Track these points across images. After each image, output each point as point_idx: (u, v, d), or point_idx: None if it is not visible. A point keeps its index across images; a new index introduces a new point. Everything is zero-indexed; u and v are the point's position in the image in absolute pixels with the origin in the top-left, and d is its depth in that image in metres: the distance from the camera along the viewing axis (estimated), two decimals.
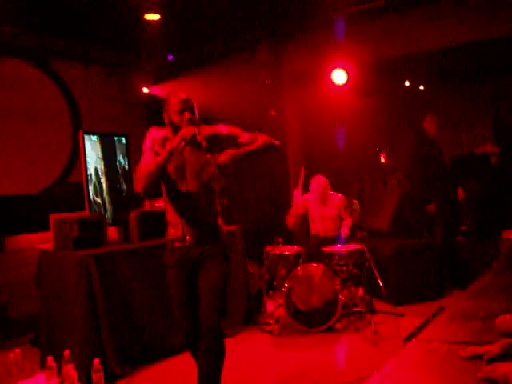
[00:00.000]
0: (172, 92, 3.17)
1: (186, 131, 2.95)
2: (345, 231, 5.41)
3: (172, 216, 3.14)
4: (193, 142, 2.99)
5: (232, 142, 3.21)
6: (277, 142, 3.27)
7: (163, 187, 3.15)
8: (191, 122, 3.01)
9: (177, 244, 3.12)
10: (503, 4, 5.52)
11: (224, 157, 3.10)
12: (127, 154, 4.75)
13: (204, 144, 3.05)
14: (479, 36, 5.74)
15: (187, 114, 3.03)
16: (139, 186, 2.98)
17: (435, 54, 6.36)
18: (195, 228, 3.11)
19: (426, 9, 5.94)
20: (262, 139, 3.21)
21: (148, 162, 2.98)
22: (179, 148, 2.96)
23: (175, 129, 3.05)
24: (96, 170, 4.43)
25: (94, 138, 4.47)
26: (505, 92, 7.92)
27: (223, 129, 3.21)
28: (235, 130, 3.23)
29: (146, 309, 4.17)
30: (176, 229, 3.12)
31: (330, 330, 4.67)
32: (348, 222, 5.53)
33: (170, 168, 3.06)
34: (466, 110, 8.51)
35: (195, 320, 3.06)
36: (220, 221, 3.25)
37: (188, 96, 3.12)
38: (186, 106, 3.07)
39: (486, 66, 7.21)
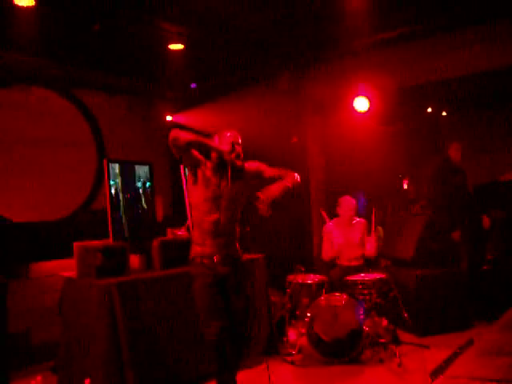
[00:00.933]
0: (226, 131, 3.62)
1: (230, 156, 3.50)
2: (372, 252, 5.38)
3: (200, 237, 3.55)
4: (230, 168, 3.49)
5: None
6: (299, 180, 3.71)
7: (194, 211, 3.59)
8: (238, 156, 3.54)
9: (205, 260, 3.52)
10: None
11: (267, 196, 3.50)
12: (151, 182, 4.78)
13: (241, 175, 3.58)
14: (502, 62, 5.72)
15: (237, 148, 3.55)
16: (176, 133, 3.31)
17: (458, 81, 6.34)
18: (222, 250, 3.54)
19: (447, 36, 5.94)
20: (290, 178, 3.67)
21: (198, 135, 3.41)
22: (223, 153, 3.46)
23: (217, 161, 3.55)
24: (121, 198, 4.46)
25: (124, 167, 4.52)
26: None
27: (267, 171, 3.70)
28: (275, 173, 3.70)
29: (169, 338, 4.13)
30: (203, 248, 3.54)
31: (354, 361, 4.58)
32: (372, 240, 5.46)
33: (208, 196, 3.49)
34: (489, 137, 8.43)
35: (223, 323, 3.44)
36: (238, 246, 3.70)
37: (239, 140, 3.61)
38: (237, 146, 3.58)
39: (510, 91, 7.16)
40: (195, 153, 3.47)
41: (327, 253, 5.67)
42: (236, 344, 3.55)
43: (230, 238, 3.61)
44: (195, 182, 3.54)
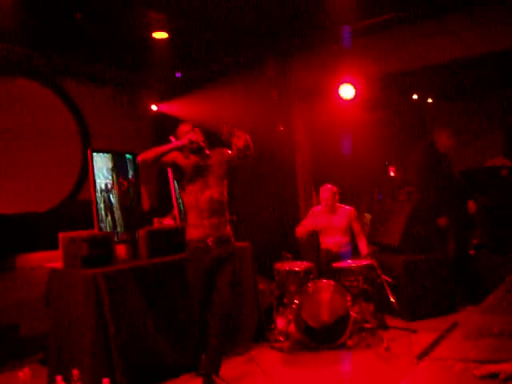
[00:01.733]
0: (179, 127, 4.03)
1: (192, 135, 3.85)
2: (364, 250, 5.40)
3: (197, 218, 3.84)
4: (198, 148, 3.86)
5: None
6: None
7: (187, 192, 3.87)
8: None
9: (200, 244, 3.82)
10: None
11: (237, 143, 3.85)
12: (136, 172, 4.76)
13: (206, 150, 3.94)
14: (488, 49, 5.73)
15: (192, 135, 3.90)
16: (141, 157, 3.76)
17: (443, 68, 6.36)
18: (216, 231, 3.84)
19: (433, 22, 5.94)
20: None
21: (158, 147, 3.80)
22: (185, 146, 3.81)
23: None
24: (106, 187, 4.44)
25: (107, 155, 4.49)
26: None
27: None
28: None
29: (155, 327, 4.14)
30: (197, 230, 3.84)
31: (342, 346, 4.61)
32: (363, 239, 5.52)
33: (197, 178, 3.85)
34: (475, 123, 8.48)
35: (209, 302, 3.86)
36: (229, 228, 3.99)
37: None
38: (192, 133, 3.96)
39: (496, 78, 7.20)
40: (166, 158, 3.82)
41: (301, 228, 5.65)
42: (220, 324, 3.77)
43: (222, 218, 3.90)
44: (182, 175, 3.89)
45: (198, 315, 3.90)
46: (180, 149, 3.84)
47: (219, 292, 3.83)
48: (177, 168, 3.89)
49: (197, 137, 3.86)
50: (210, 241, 3.82)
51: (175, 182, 4.25)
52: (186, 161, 3.89)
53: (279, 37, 6.44)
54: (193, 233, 3.86)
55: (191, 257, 3.89)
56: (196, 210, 3.85)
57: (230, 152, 3.98)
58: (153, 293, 4.18)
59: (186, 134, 3.88)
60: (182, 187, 3.94)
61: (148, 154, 3.73)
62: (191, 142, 3.81)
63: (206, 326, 3.85)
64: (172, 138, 3.95)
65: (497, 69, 6.59)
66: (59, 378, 3.29)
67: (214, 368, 3.75)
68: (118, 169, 4.58)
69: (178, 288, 4.37)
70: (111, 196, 4.47)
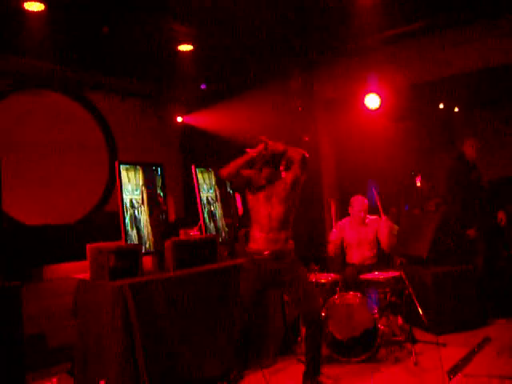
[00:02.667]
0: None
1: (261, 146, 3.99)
2: (385, 242, 5.40)
3: (254, 232, 4.00)
4: (270, 161, 4.02)
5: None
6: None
7: (250, 205, 4.05)
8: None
9: (256, 256, 3.95)
10: None
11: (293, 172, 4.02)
12: (162, 183, 4.78)
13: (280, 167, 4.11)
14: None
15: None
16: (225, 171, 3.99)
17: (470, 77, 6.28)
18: (272, 245, 3.93)
19: (459, 31, 5.89)
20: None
21: (236, 159, 4.00)
22: (257, 157, 3.99)
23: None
24: (131, 200, 4.45)
25: (135, 167, 4.51)
26: None
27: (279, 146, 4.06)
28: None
29: (183, 339, 4.13)
30: (256, 243, 3.97)
31: (369, 360, 4.54)
32: (383, 227, 5.47)
33: (261, 191, 4.01)
34: (503, 133, 8.33)
35: (253, 318, 4.05)
36: (290, 243, 4.04)
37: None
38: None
39: None
40: (243, 172, 4.03)
41: (331, 245, 5.60)
42: (315, 332, 3.92)
43: (282, 234, 3.96)
44: (250, 189, 4.07)
45: (241, 323, 4.05)
46: (253, 161, 4.03)
47: (301, 303, 3.94)
48: (249, 183, 4.06)
49: (268, 150, 4.00)
50: (266, 254, 3.92)
51: (244, 193, 4.25)
52: (257, 176, 4.05)
53: (304, 48, 6.44)
54: (252, 245, 4.01)
55: (246, 267, 4.05)
56: (257, 224, 4.00)
57: (291, 173, 4.05)
58: (180, 304, 4.18)
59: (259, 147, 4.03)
60: (247, 201, 4.12)
61: (230, 168, 3.96)
62: (262, 152, 3.98)
63: (248, 334, 4.08)
64: (248, 150, 4.06)
65: None
66: None
67: (317, 370, 3.99)
68: (146, 180, 4.60)
69: (206, 299, 4.37)
70: (139, 207, 4.49)
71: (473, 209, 5.72)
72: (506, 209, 5.92)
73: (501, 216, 5.84)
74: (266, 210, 3.96)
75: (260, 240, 3.96)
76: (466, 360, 3.09)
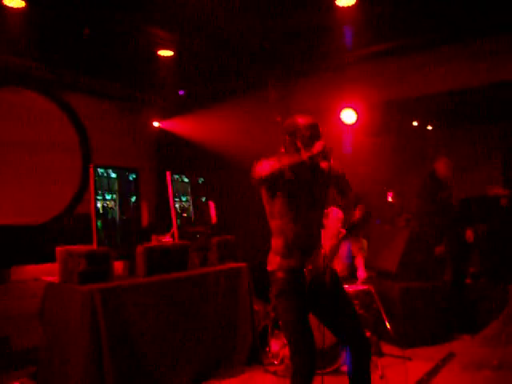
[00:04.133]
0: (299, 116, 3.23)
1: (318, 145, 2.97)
2: (363, 274, 5.29)
3: (283, 245, 3.10)
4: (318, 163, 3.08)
5: None
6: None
7: (276, 220, 3.12)
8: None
9: (292, 275, 3.06)
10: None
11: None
12: (136, 188, 4.75)
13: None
14: (488, 79, 5.80)
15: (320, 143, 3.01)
16: (263, 173, 2.95)
17: (444, 96, 6.42)
18: (310, 257, 3.10)
19: (434, 52, 6.02)
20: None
21: (272, 162, 2.97)
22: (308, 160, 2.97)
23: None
24: (104, 204, 4.41)
25: (109, 170, 4.46)
26: None
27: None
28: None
29: (150, 345, 4.09)
30: (287, 258, 3.08)
31: (336, 372, 4.57)
32: (361, 262, 5.42)
33: (301, 195, 3.09)
34: (474, 152, 8.53)
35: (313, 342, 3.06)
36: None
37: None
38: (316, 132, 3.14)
39: (495, 108, 7.26)
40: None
41: None
42: (364, 354, 3.14)
43: (319, 241, 3.22)
44: (274, 195, 3.12)
45: (296, 347, 3.06)
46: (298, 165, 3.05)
47: (347, 333, 3.19)
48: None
49: (320, 146, 3.00)
50: (306, 272, 3.10)
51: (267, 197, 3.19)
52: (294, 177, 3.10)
53: (282, 61, 6.50)
54: (281, 262, 3.12)
55: (281, 289, 3.11)
56: (283, 237, 3.13)
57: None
58: (150, 311, 4.14)
59: (306, 135, 3.13)
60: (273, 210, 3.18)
61: (264, 171, 2.96)
62: (313, 157, 2.99)
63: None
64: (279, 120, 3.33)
65: (497, 99, 6.66)
66: None
67: None
68: (120, 184, 4.56)
69: (177, 306, 4.35)
70: (112, 211, 4.45)
71: (441, 226, 5.83)
72: (476, 227, 6.06)
73: (469, 234, 5.97)
74: (297, 222, 3.13)
75: (295, 255, 3.14)
76: (431, 374, 3.14)
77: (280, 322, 3.19)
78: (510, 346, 2.26)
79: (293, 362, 3.02)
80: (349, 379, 3.16)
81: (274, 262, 3.15)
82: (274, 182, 3.04)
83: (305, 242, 3.10)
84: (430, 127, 9.00)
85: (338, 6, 4.96)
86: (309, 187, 3.13)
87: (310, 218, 3.13)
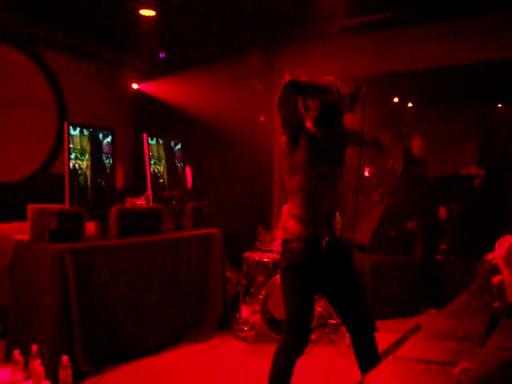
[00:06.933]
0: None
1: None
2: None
3: (302, 205, 2.75)
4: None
5: None
6: None
7: (297, 176, 2.78)
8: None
9: (306, 245, 2.74)
10: (494, 30, 5.61)
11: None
12: (112, 149, 4.68)
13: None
14: (468, 59, 5.84)
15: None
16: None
17: (424, 74, 6.43)
18: (332, 230, 2.79)
19: (420, 28, 5.99)
20: None
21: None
22: None
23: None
24: (78, 163, 4.34)
25: (84, 130, 4.38)
26: (490, 115, 8.02)
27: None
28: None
29: (120, 307, 4.09)
30: (304, 223, 2.74)
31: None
32: None
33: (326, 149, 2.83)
34: (452, 131, 8.59)
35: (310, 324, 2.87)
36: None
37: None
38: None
39: (474, 89, 7.29)
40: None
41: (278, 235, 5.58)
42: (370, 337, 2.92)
43: (343, 213, 2.89)
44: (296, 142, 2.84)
45: (294, 324, 2.79)
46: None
47: (355, 318, 2.92)
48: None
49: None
50: (324, 242, 2.77)
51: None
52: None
53: (267, 27, 6.39)
54: (296, 227, 2.77)
55: (290, 263, 2.81)
56: (303, 198, 2.78)
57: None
58: (121, 272, 4.13)
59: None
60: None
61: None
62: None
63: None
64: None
65: (476, 79, 6.69)
66: (17, 352, 3.23)
67: None
68: (94, 144, 4.49)
69: (149, 269, 4.34)
70: (86, 171, 4.38)
71: (415, 202, 5.90)
72: (449, 205, 6.15)
73: (442, 211, 6.06)
74: (325, 180, 2.90)
75: (312, 220, 2.84)
76: (397, 345, 3.20)
77: (283, 296, 2.85)
78: (474, 319, 2.30)
79: (285, 338, 2.81)
80: (357, 362, 2.94)
81: (287, 227, 2.79)
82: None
83: (326, 206, 2.77)
84: (410, 104, 9.02)
85: None
86: (333, 142, 2.89)
87: (336, 175, 2.86)
